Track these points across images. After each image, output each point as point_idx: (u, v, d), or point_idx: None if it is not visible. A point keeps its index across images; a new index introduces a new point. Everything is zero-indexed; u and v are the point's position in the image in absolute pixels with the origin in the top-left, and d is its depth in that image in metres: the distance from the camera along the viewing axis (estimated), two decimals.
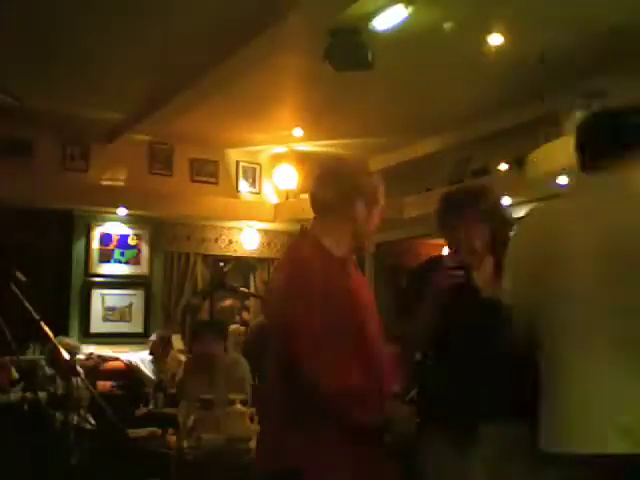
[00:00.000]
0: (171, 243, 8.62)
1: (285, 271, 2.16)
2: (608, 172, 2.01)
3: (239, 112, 7.25)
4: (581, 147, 2.12)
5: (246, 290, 7.51)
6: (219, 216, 8.63)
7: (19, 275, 3.06)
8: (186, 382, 4.78)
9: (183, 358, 6.58)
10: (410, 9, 4.74)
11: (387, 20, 4.88)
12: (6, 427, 4.61)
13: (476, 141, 7.61)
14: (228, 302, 8.31)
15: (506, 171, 7.34)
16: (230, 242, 9.03)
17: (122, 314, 8.13)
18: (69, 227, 8.03)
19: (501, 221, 2.77)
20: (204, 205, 8.44)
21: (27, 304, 2.93)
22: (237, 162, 8.97)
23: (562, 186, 6.30)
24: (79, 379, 3.25)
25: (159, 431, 3.40)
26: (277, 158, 8.99)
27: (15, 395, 4.92)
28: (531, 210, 2.20)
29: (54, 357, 5.52)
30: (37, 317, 2.93)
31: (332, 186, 2.28)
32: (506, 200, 7.27)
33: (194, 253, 8.74)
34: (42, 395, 4.61)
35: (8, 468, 3.89)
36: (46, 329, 2.98)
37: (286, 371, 2.00)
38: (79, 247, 8.04)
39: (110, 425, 3.60)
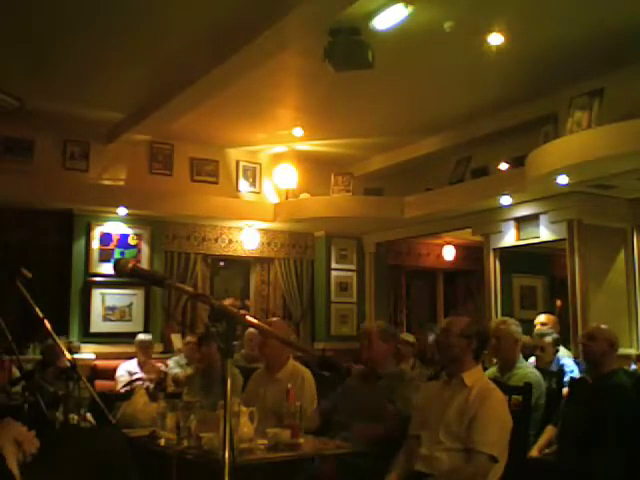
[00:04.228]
0: (171, 243, 8.62)
1: None
2: None
3: (239, 112, 7.25)
4: None
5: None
6: (219, 216, 8.63)
7: (25, 272, 3.04)
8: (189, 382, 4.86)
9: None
10: (410, 9, 4.74)
11: (387, 20, 4.88)
12: None
13: (476, 141, 7.61)
14: (228, 302, 8.32)
15: (506, 171, 7.35)
16: (230, 242, 9.03)
17: (122, 314, 8.13)
18: (69, 227, 8.03)
19: None
20: (204, 205, 8.44)
21: (31, 302, 2.92)
22: (237, 162, 8.97)
23: (562, 185, 6.31)
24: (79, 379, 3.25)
25: (159, 431, 3.40)
26: (277, 158, 9.00)
27: (15, 395, 4.90)
28: None
29: (55, 356, 5.53)
30: (41, 315, 2.92)
31: None
32: (506, 199, 7.30)
33: (194, 253, 8.75)
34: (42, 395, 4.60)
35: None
36: (49, 328, 2.97)
37: None
38: (79, 247, 8.04)
39: (110, 425, 3.61)
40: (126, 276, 1.90)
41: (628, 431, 3.63)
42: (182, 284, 2.02)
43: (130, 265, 1.86)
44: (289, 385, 3.61)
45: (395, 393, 3.57)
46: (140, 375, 6.54)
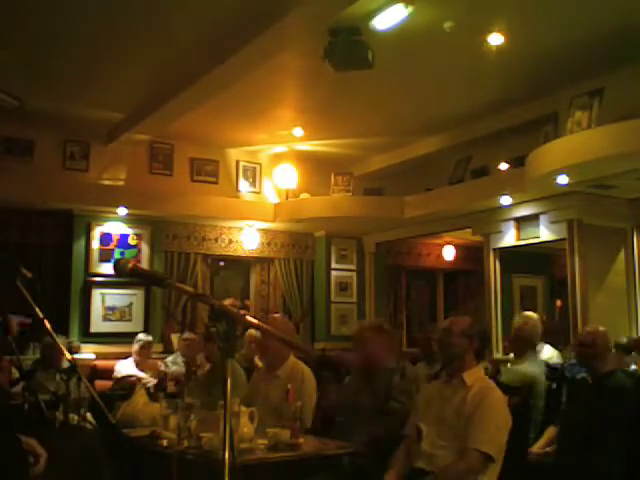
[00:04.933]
0: (171, 243, 8.63)
1: None
2: None
3: (239, 112, 7.25)
4: None
5: None
6: (219, 216, 8.63)
7: (25, 272, 3.03)
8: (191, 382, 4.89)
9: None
10: (410, 9, 4.74)
11: (387, 20, 4.89)
12: (6, 427, 4.59)
13: (476, 141, 7.61)
14: (228, 302, 8.31)
15: (506, 171, 7.35)
16: (230, 242, 9.03)
17: (122, 314, 8.13)
18: (69, 227, 8.03)
19: None
20: (204, 205, 8.44)
21: (32, 302, 2.91)
22: (237, 162, 8.97)
23: (562, 185, 6.31)
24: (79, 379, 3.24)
25: (161, 431, 3.40)
26: (277, 158, 9.00)
27: (15, 395, 4.90)
28: None
29: (54, 356, 5.53)
30: (41, 315, 2.91)
31: None
32: (506, 199, 7.30)
33: (194, 253, 8.75)
34: (42, 395, 4.60)
35: (9, 468, 3.87)
36: (49, 328, 2.97)
37: None
38: (79, 247, 8.04)
39: (110, 425, 3.61)
40: (126, 276, 1.89)
41: (628, 431, 3.63)
42: (182, 284, 2.02)
43: (130, 265, 1.85)
44: (289, 385, 3.62)
45: (395, 389, 3.57)
46: (141, 374, 6.53)
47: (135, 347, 6.94)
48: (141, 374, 6.63)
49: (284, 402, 3.49)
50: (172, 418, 3.32)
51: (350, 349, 4.52)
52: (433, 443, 3.03)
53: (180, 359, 6.97)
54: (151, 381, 6.26)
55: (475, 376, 3.12)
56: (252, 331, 7.38)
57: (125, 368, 6.83)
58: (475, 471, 2.89)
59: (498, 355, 7.33)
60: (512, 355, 5.06)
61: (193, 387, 4.74)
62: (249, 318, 1.89)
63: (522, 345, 4.67)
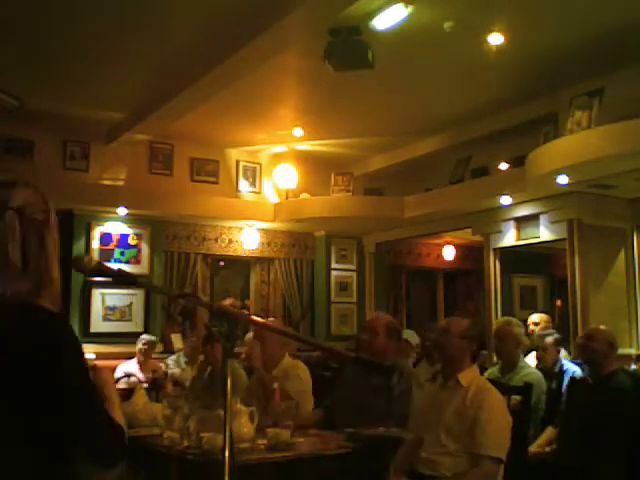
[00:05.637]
0: (171, 243, 8.63)
1: None
2: None
3: (239, 112, 7.25)
4: None
5: None
6: (219, 216, 8.63)
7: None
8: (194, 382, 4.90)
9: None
10: (410, 9, 4.74)
11: (387, 20, 4.89)
12: None
13: (476, 141, 7.61)
14: (228, 302, 8.31)
15: (506, 171, 7.36)
16: (230, 242, 9.03)
17: (122, 313, 8.13)
18: (69, 227, 8.02)
19: None
20: (204, 205, 8.44)
21: None
22: (237, 162, 8.98)
23: (562, 185, 6.31)
24: None
25: (159, 430, 3.40)
26: (277, 158, 9.00)
27: None
28: None
29: None
30: None
31: None
32: (506, 199, 7.30)
33: (194, 253, 8.75)
34: None
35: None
36: None
37: None
38: (79, 247, 8.03)
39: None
40: (90, 275, 1.72)
41: (629, 431, 3.63)
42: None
43: (93, 263, 1.67)
44: (275, 385, 3.64)
45: (394, 388, 3.58)
46: (140, 376, 6.53)
47: (139, 346, 6.92)
48: (139, 374, 6.63)
49: (271, 401, 3.51)
50: (177, 418, 3.32)
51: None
52: (433, 449, 3.02)
53: (183, 359, 6.96)
54: (140, 378, 6.26)
55: (470, 376, 3.11)
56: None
57: (126, 368, 6.83)
58: (492, 477, 2.90)
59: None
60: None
61: (194, 387, 4.75)
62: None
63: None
